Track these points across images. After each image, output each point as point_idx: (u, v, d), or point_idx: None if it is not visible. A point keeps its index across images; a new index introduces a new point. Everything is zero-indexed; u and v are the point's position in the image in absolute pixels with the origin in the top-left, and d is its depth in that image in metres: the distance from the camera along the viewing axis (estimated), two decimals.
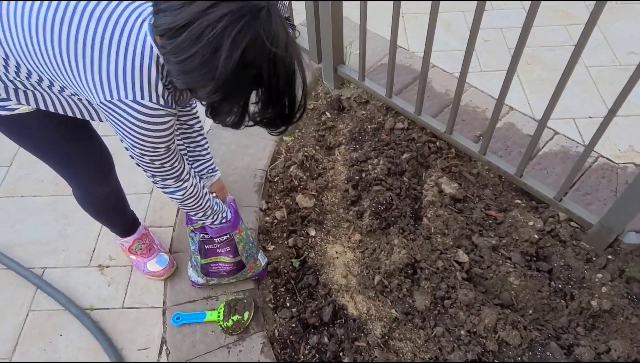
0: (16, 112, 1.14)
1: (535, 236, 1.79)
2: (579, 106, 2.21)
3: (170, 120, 1.06)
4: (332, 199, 2.02)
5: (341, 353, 1.61)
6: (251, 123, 1.05)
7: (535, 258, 1.76)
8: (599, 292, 1.64)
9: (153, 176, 1.22)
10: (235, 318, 1.64)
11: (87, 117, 1.24)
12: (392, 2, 1.80)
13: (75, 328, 1.68)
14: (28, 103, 1.14)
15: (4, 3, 0.99)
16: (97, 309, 1.73)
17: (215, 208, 1.50)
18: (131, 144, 1.08)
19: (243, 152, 2.17)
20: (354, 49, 2.51)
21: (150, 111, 1.01)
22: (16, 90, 1.11)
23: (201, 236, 1.60)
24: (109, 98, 0.99)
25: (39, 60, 1.01)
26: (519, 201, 1.94)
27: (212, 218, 1.51)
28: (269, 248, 1.88)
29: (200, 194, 1.38)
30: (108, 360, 1.61)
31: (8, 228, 1.96)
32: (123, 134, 1.06)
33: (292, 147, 2.20)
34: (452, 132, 2.03)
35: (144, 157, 1.12)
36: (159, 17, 0.90)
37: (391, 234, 1.82)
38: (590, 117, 2.17)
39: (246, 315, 1.65)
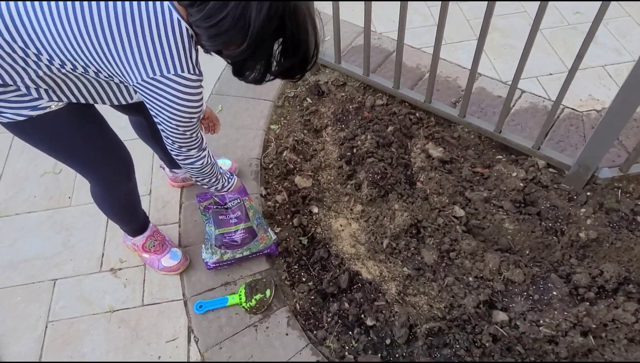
0: (48, 110, 1.16)
1: (521, 184, 1.95)
2: (539, 65, 2.40)
3: (202, 89, 1.14)
4: (328, 177, 2.11)
5: (362, 315, 1.70)
6: (271, 77, 1.13)
7: (523, 204, 1.92)
8: (585, 225, 1.80)
9: (180, 147, 1.27)
10: (257, 297, 1.70)
11: (116, 100, 1.28)
12: None
13: (99, 332, 1.69)
14: (59, 99, 1.17)
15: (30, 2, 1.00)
16: (118, 310, 1.74)
17: (222, 171, 1.57)
18: (168, 117, 1.13)
19: (234, 145, 2.22)
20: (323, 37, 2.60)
21: (191, 83, 1.08)
22: (47, 89, 1.13)
23: (215, 207, 1.68)
24: (151, 75, 1.04)
25: (74, 48, 1.03)
26: (500, 157, 2.10)
27: (222, 181, 1.58)
28: (276, 231, 1.94)
29: (214, 161, 1.47)
30: (123, 360, 1.64)
31: (7, 247, 1.93)
32: (162, 108, 1.11)
33: (280, 134, 2.28)
34: (431, 101, 2.16)
35: (179, 128, 1.17)
36: None
37: (391, 200, 1.92)
38: (551, 74, 2.36)
39: (268, 292, 1.71)
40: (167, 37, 1.01)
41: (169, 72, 1.04)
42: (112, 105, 1.34)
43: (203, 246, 1.79)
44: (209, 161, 1.41)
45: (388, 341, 1.65)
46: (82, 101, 1.22)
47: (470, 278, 1.72)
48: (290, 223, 1.98)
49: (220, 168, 1.57)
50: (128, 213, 1.68)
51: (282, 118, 2.35)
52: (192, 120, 1.17)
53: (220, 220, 1.72)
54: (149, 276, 1.82)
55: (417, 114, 2.26)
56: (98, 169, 1.43)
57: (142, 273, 1.83)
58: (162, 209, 2.02)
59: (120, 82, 1.13)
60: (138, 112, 1.59)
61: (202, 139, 1.32)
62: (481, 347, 1.58)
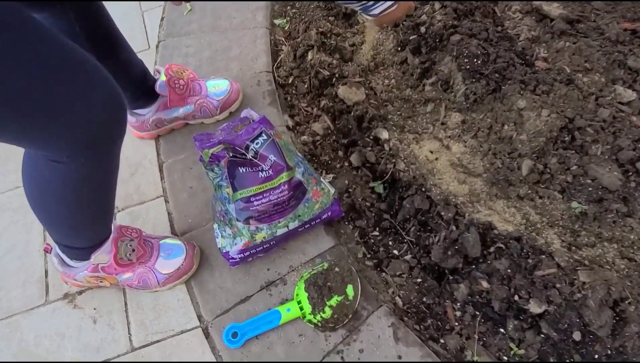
0: None
1: None
2: None
3: None
4: (387, 80, 1.32)
5: (517, 297, 0.97)
6: None
7: None
8: None
9: None
10: (333, 301, 0.95)
11: None
12: None
13: None
14: None
15: None
16: None
17: None
18: None
19: (224, 56, 1.39)
20: None
21: None
22: None
23: (231, 156, 0.95)
24: None
25: None
26: None
27: None
28: (327, 179, 1.17)
29: None
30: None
31: None
32: None
33: (294, 30, 1.45)
34: None
35: None
36: None
37: (509, 95, 1.15)
38: None
39: (350, 290, 0.96)
40: None
41: None
42: None
43: (215, 226, 1.02)
44: None
45: (577, 335, 0.93)
46: None
47: None
48: (346, 163, 1.21)
49: None
50: (107, 202, 0.89)
51: (289, 7, 1.51)
52: None
53: (243, 175, 0.95)
54: (133, 299, 1.05)
55: None
56: (69, 116, 0.68)
57: (119, 296, 1.06)
58: (131, 179, 1.22)
59: None
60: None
61: None
62: None
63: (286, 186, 0.97)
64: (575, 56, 1.18)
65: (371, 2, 1.08)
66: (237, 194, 0.96)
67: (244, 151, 0.95)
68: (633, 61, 1.17)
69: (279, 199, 0.97)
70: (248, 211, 0.97)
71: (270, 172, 0.96)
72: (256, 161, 0.96)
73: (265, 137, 0.95)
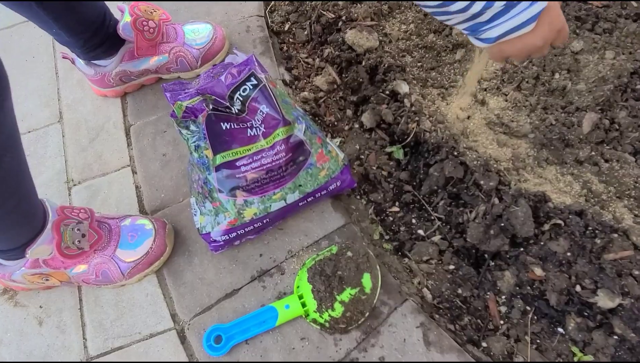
0: None
1: None
2: None
3: None
4: (404, 26, 1.08)
5: (580, 287, 0.75)
6: None
7: None
8: None
9: None
10: (345, 295, 0.73)
11: None
12: None
13: None
14: None
15: None
16: None
17: None
18: None
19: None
20: None
21: None
22: None
23: (211, 109, 0.71)
24: None
25: None
26: None
27: None
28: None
29: None
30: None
31: None
32: None
33: None
34: None
35: None
36: None
37: None
38: None
39: (366, 280, 0.75)
40: None
41: None
42: None
43: (193, 200, 0.81)
44: None
45: None
46: None
47: None
48: (357, 125, 0.98)
49: None
50: (10, 182, 0.66)
51: None
52: None
53: (226, 132, 0.73)
54: (89, 292, 0.83)
55: None
56: None
57: (71, 287, 0.84)
58: (91, 146, 0.99)
59: None
60: None
61: None
62: None
63: (283, 146, 0.74)
64: None
65: (482, 11, 0.55)
66: (218, 158, 0.74)
67: (227, 104, 0.73)
68: None
69: (273, 164, 0.75)
70: (233, 179, 0.75)
71: (262, 128, 0.73)
72: (243, 115, 0.73)
73: (254, 81, 0.73)
